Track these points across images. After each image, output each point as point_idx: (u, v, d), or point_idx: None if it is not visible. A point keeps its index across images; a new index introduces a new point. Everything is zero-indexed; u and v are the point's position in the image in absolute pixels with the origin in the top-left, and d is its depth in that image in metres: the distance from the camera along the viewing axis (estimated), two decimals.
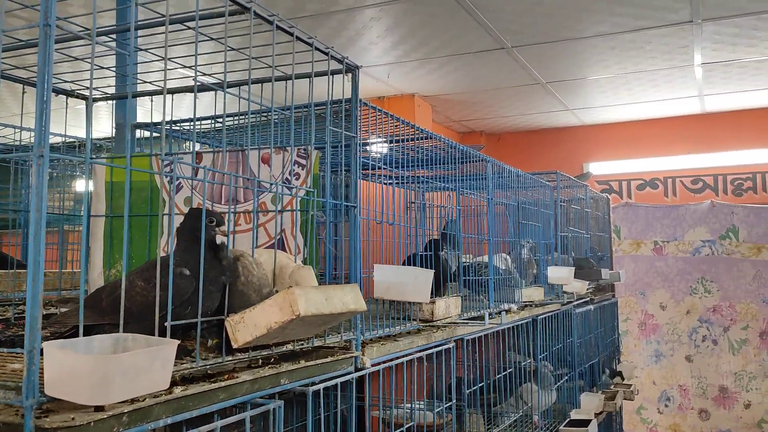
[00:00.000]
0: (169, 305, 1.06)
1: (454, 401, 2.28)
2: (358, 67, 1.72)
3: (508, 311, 2.85)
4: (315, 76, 1.67)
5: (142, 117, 2.39)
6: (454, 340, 2.32)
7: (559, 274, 3.46)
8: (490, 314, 2.64)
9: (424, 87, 4.60)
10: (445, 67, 4.14)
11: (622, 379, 4.81)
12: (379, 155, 2.81)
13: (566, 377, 3.76)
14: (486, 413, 3.31)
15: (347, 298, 1.30)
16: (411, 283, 1.75)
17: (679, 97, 4.92)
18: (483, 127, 5.97)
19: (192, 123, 1.16)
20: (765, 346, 5.14)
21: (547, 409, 3.52)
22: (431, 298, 2.10)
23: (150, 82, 1.76)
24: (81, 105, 2.15)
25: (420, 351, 2.02)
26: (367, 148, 2.71)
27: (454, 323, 2.31)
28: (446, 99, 4.90)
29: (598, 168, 5.81)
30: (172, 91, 1.69)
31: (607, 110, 5.32)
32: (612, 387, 4.61)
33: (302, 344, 1.50)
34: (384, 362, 1.83)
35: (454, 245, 2.94)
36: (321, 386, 1.51)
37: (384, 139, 2.39)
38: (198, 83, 1.25)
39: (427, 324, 2.11)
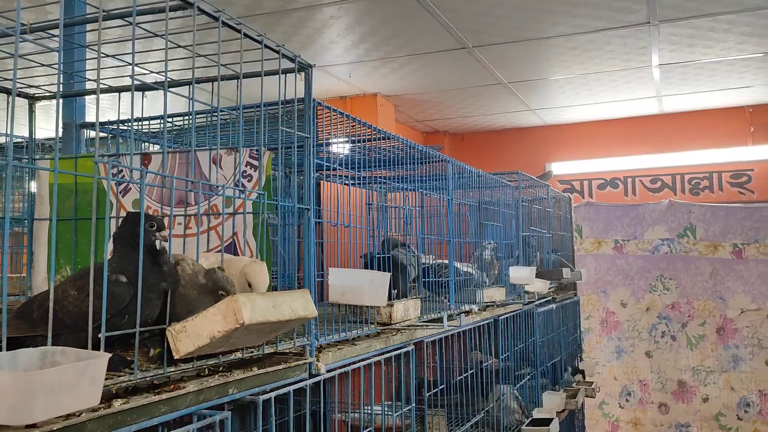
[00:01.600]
0: (103, 315, 1.00)
1: (414, 404, 2.25)
2: (311, 65, 1.68)
3: (468, 312, 2.84)
4: (270, 75, 1.63)
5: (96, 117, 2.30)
6: (414, 343, 2.30)
7: (521, 274, 3.47)
8: (450, 316, 2.62)
9: (386, 86, 4.57)
10: (407, 66, 4.12)
11: (584, 377, 4.86)
12: (339, 156, 2.77)
13: (528, 376, 3.77)
14: (450, 414, 3.30)
15: (296, 305, 1.26)
16: (367, 287, 1.71)
17: (638, 97, 4.98)
18: (446, 127, 5.97)
19: (131, 123, 1.10)
20: (722, 342, 5.25)
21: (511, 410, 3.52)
22: (389, 300, 2.08)
23: (93, 80, 1.69)
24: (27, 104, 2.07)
25: (379, 355, 1.99)
26: (328, 148, 2.67)
27: (414, 326, 2.28)
28: (409, 99, 4.88)
29: (560, 168, 5.86)
30: (107, 90, 1.62)
31: (568, 110, 5.37)
32: (574, 385, 4.65)
33: (252, 352, 1.45)
34: (341, 367, 1.80)
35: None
36: (272, 395, 1.47)
37: (342, 140, 2.35)
38: (138, 82, 1.19)
39: (386, 327, 2.08)
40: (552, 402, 3.93)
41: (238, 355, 1.38)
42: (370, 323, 2.04)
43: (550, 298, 4.39)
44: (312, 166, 1.67)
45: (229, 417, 1.29)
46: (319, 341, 1.73)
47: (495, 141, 6.09)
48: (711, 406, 5.25)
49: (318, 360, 1.69)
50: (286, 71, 1.65)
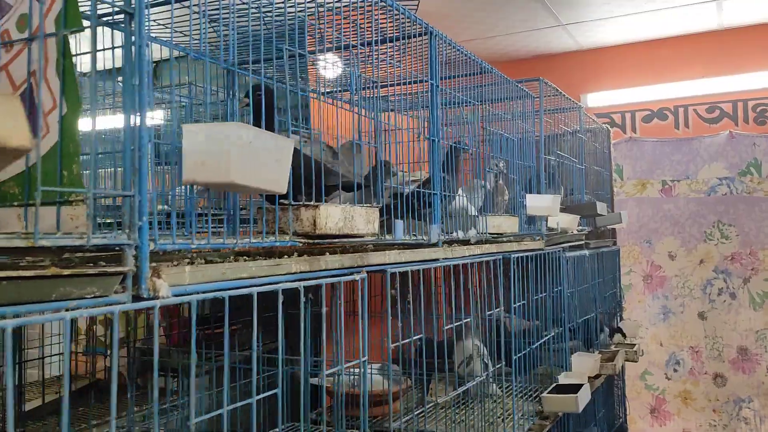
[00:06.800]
0: None
1: (355, 360, 1.55)
2: None
3: (457, 241, 2.12)
4: None
5: None
6: (370, 272, 1.58)
7: (541, 203, 2.72)
8: (437, 242, 1.91)
9: None
10: None
11: (624, 337, 4.10)
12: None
13: (552, 334, 3.04)
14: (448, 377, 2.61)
15: None
16: (237, 154, 1.00)
17: (693, 2, 4.10)
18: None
19: None
20: None
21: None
22: (314, 201, 1.36)
23: None
24: None
25: (293, 281, 1.28)
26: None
27: (366, 244, 1.57)
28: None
29: (597, 99, 5.01)
30: None
31: (606, 25, 4.51)
32: (612, 347, 3.90)
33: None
34: (211, 291, 1.10)
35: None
36: (29, 321, 0.79)
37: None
38: None
39: (310, 240, 1.37)
40: (583, 365, 3.20)
41: None
42: (282, 232, 1.34)
43: (583, 243, 3.62)
44: None
45: None
46: (156, 244, 1.03)
47: (524, 72, 5.23)
48: None
49: (157, 276, 1.00)
50: None
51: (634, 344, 3.98)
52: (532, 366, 2.99)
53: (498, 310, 2.44)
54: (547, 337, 3.00)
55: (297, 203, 1.31)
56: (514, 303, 2.52)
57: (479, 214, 2.36)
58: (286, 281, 1.26)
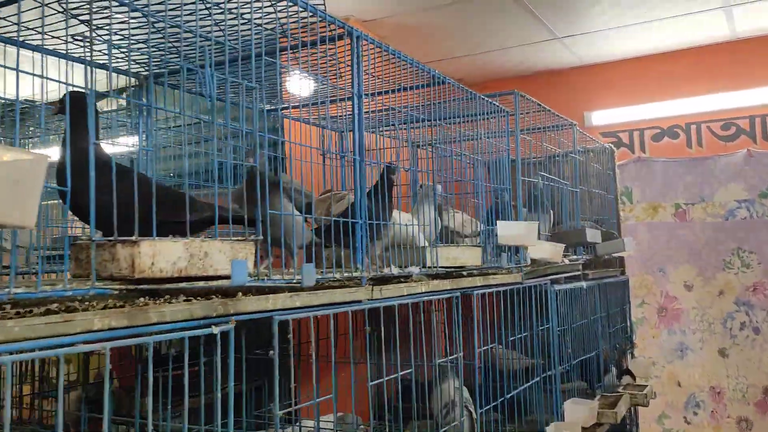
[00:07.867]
0: None
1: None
2: None
3: (402, 278, 1.80)
4: None
5: None
6: (249, 320, 1.28)
7: (513, 231, 2.37)
8: (358, 279, 1.59)
9: (362, 7, 3.55)
10: None
11: (634, 379, 3.68)
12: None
13: (537, 378, 2.67)
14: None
15: None
16: None
17: (700, 10, 3.75)
18: (459, 72, 4.87)
19: None
20: None
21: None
22: (134, 236, 1.06)
23: None
24: None
25: (100, 341, 0.98)
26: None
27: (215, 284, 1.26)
28: (395, 25, 3.83)
29: (603, 117, 4.66)
30: None
31: (608, 39, 4.17)
32: (619, 390, 3.49)
33: None
34: None
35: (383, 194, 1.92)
36: None
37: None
38: None
39: (131, 286, 1.07)
40: (577, 414, 2.82)
41: None
42: (100, 276, 1.04)
43: (579, 273, 3.25)
44: None
45: None
46: None
47: (521, 90, 4.93)
48: None
49: None
50: None
51: (645, 386, 3.56)
52: (520, 413, 2.64)
53: (457, 355, 2.10)
54: (532, 383, 2.64)
55: (107, 239, 1.01)
56: (479, 347, 2.18)
57: (431, 243, 2.04)
58: (81, 342, 0.96)
